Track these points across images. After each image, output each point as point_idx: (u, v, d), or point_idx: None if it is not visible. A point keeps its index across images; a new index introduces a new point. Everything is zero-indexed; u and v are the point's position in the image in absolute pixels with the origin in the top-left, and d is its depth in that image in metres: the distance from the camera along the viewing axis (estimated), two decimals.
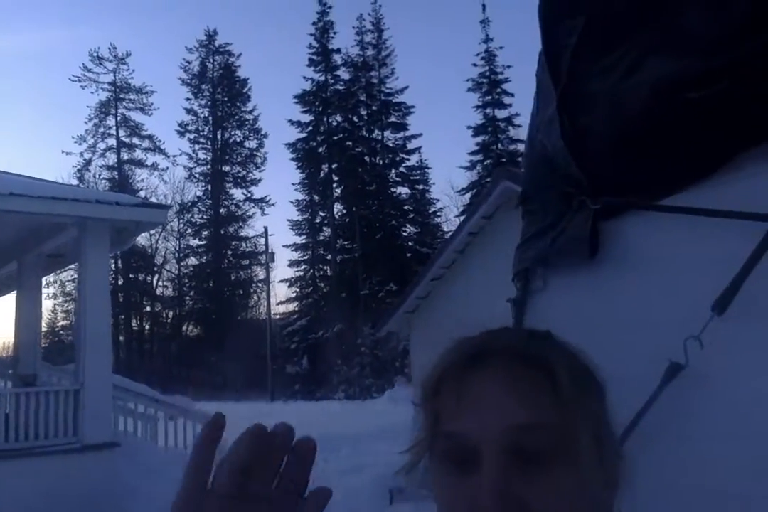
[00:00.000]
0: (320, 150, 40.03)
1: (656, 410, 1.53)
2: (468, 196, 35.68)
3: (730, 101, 1.47)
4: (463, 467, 0.67)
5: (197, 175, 45.10)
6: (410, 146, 39.43)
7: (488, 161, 35.48)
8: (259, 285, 43.69)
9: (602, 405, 0.74)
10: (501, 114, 35.60)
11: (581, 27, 1.80)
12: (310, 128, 39.91)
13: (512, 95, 35.55)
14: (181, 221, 44.10)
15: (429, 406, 0.73)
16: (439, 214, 39.12)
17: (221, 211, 44.56)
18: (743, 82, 1.43)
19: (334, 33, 40.82)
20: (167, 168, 45.92)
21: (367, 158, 40.35)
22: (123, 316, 42.44)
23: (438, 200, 40.66)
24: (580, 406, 0.69)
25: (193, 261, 45.10)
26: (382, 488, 7.99)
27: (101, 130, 45.74)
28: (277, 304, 41.43)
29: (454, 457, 0.68)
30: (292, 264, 40.21)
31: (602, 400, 0.75)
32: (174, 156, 45.49)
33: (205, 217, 44.94)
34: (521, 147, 35.28)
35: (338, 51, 40.10)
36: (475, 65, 35.50)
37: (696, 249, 1.57)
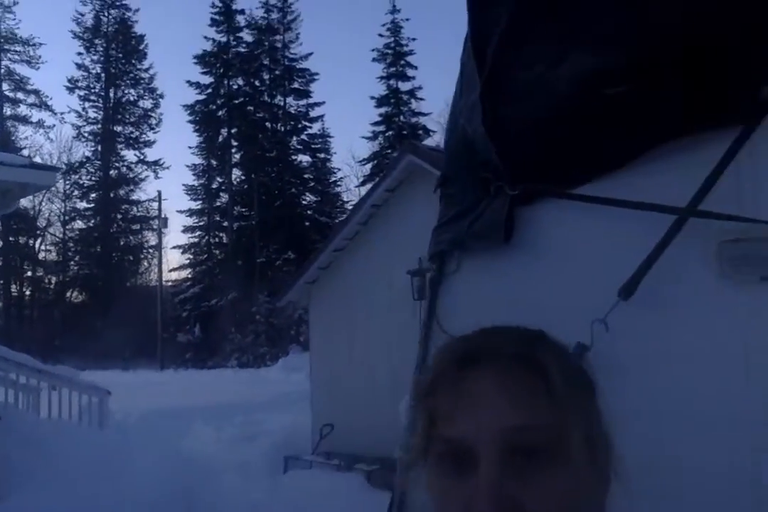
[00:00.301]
0: (220, 113, 38.82)
1: None
2: (369, 166, 35.76)
3: (646, 98, 1.55)
4: (459, 468, 0.68)
5: (86, 135, 42.74)
6: (313, 114, 38.91)
7: (390, 132, 35.57)
8: (151, 251, 42.26)
9: (594, 403, 0.76)
10: (404, 86, 35.67)
11: (508, 16, 1.83)
12: (210, 90, 38.59)
13: (416, 68, 35.64)
14: (67, 182, 41.80)
15: (423, 407, 0.73)
16: (339, 183, 39.00)
17: (111, 172, 42.56)
18: (660, 80, 1.51)
19: None
20: (54, 126, 43.20)
21: (268, 124, 39.51)
22: (2, 281, 40.09)
23: (339, 170, 40.42)
24: (573, 406, 0.70)
25: (79, 224, 42.99)
26: (276, 456, 8.04)
27: None
28: (170, 271, 40.30)
29: (450, 459, 0.69)
30: (187, 230, 39.11)
31: (594, 399, 0.76)
32: (62, 113, 42.84)
33: (93, 178, 42.80)
34: (423, 120, 35.41)
35: (242, 12, 38.79)
36: (381, 35, 35.27)
37: (606, 237, 1.66)
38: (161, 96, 43.10)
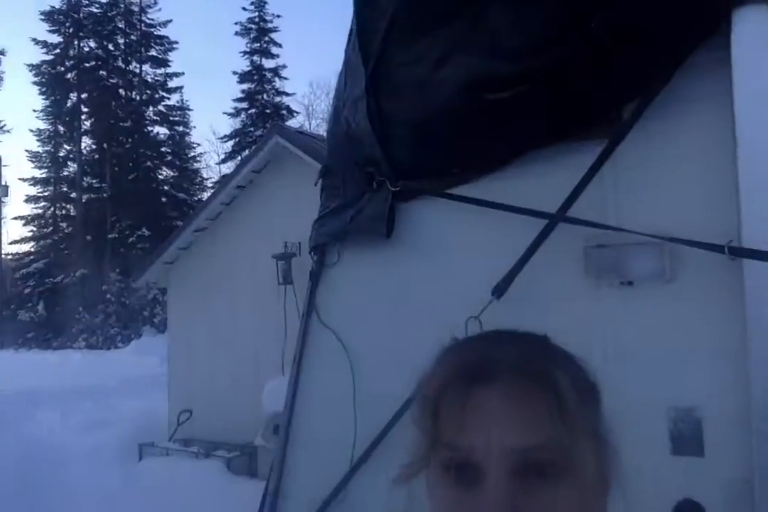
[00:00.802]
0: (69, 76, 36.14)
1: None
2: (230, 144, 34.77)
3: (523, 106, 1.62)
4: (465, 481, 0.67)
5: None
6: (171, 84, 37.11)
7: (253, 110, 34.71)
8: None
9: (599, 411, 0.75)
10: (268, 63, 34.83)
11: (391, 12, 1.84)
12: (58, 51, 35.80)
13: (280, 46, 34.92)
14: None
15: (429, 418, 0.71)
16: (198, 159, 37.59)
17: None
18: (541, 88, 1.58)
19: None
20: None
21: (122, 91, 37.29)
22: None
23: (198, 145, 38.90)
24: (583, 423, 0.69)
25: None
26: (130, 444, 7.70)
27: None
28: (10, 244, 37.41)
29: (456, 471, 0.67)
30: (30, 200, 36.33)
31: (600, 407, 0.76)
32: None
33: None
34: (287, 100, 34.93)
35: None
36: (244, 9, 34.22)
37: (482, 237, 1.73)
38: (2, 53, 39.56)
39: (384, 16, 1.85)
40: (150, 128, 36.85)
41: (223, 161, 34.26)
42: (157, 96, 37.29)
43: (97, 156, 35.82)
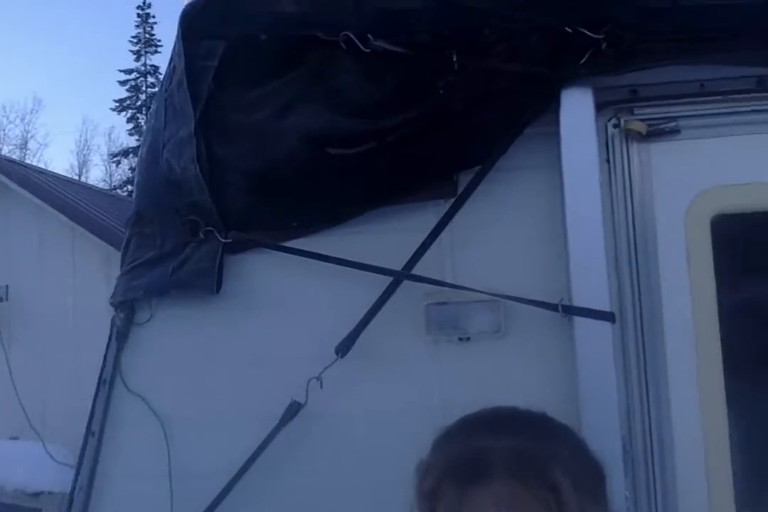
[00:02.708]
0: None
1: (277, 444, 1.57)
2: None
3: (371, 162, 1.61)
4: None
5: None
6: None
7: None
8: None
9: (604, 492, 0.75)
10: None
11: (222, 52, 1.74)
12: None
13: None
14: None
15: None
16: None
17: None
18: (386, 147, 1.59)
19: None
20: None
21: None
22: None
23: None
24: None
25: None
26: None
27: None
28: None
29: None
30: None
31: (605, 488, 0.75)
32: None
33: None
34: None
35: None
36: None
37: (323, 293, 1.67)
38: None
39: (213, 54, 1.74)
40: None
41: None
42: None
43: None
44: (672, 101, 1.62)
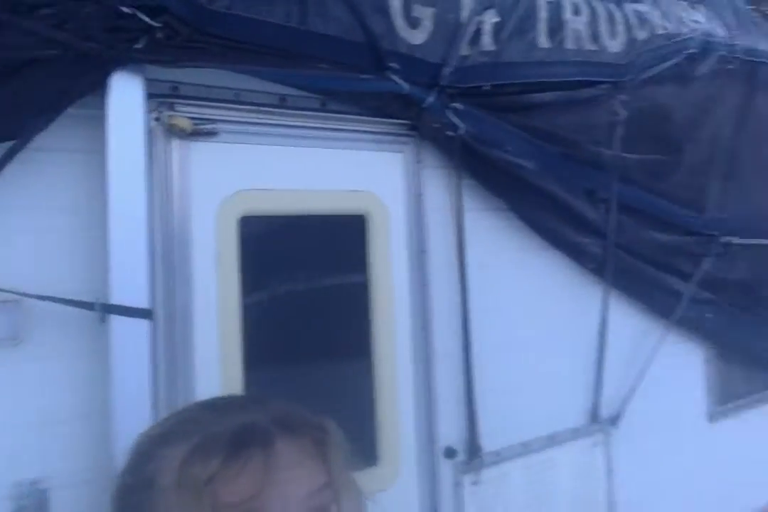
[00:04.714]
0: None
1: None
2: None
3: None
4: None
5: None
6: None
7: None
8: None
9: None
10: None
11: None
12: None
13: None
14: None
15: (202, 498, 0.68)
16: None
17: None
18: None
19: None
20: None
21: None
22: None
23: None
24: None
25: None
26: None
27: None
28: None
29: None
30: None
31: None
32: None
33: None
34: None
35: None
36: None
37: None
38: None
39: None
40: None
41: None
42: None
43: None
44: (211, 104, 1.66)
